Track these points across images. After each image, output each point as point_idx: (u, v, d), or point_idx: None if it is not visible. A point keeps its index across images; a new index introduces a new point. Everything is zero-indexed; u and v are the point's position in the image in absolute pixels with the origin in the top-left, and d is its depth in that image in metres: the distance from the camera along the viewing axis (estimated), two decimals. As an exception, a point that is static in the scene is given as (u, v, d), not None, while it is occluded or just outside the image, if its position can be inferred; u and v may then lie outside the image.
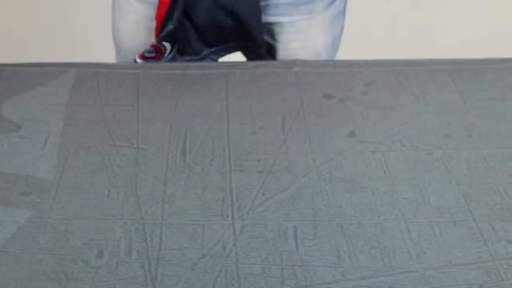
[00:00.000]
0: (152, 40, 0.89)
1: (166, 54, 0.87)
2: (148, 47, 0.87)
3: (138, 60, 0.86)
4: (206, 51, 0.90)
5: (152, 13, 0.88)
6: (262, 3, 0.88)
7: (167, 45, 0.87)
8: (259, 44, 0.90)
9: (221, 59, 0.94)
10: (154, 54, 0.86)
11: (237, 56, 0.96)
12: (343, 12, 0.94)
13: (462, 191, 0.67)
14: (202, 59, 0.90)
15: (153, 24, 0.89)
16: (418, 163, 0.70)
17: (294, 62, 0.85)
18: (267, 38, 0.94)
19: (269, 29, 0.93)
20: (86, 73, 0.82)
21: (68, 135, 0.72)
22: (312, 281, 0.57)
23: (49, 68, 0.83)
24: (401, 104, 0.79)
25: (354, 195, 0.66)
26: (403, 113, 0.78)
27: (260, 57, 0.93)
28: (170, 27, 0.85)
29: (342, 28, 0.96)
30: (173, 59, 0.88)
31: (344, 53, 0.99)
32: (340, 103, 0.79)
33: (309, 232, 0.61)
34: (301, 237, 0.61)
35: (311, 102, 0.78)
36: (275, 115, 0.76)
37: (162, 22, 0.86)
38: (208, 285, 0.56)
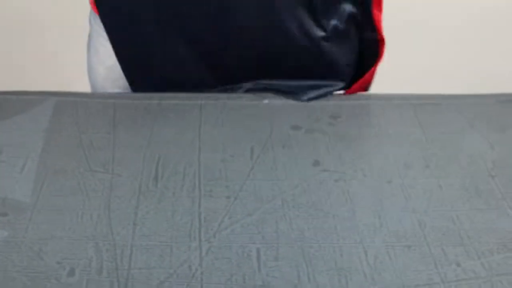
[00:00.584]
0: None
1: None
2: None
3: None
4: None
5: None
6: None
7: None
8: None
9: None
10: None
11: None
12: None
13: (417, 217, 0.71)
14: None
15: None
16: (378, 191, 0.74)
17: (265, 95, 0.89)
18: None
19: None
20: (65, 102, 0.85)
21: (46, 160, 0.76)
22: (272, 300, 0.60)
23: (30, 96, 0.86)
24: (365, 135, 0.84)
25: (315, 220, 0.70)
26: (367, 144, 0.82)
27: None
28: None
29: None
30: None
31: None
32: (306, 134, 0.83)
33: (271, 254, 0.65)
34: (264, 259, 0.64)
35: (279, 132, 0.83)
36: (244, 144, 0.80)
37: None
38: (173, 302, 0.59)
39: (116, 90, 0.94)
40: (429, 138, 0.84)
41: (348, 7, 0.85)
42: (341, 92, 0.92)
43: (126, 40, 0.86)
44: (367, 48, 0.90)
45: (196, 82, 0.89)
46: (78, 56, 0.98)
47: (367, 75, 0.93)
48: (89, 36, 0.95)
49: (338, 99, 0.91)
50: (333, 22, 0.85)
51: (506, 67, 1.79)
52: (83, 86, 0.95)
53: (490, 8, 1.93)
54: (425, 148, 0.82)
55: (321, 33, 0.85)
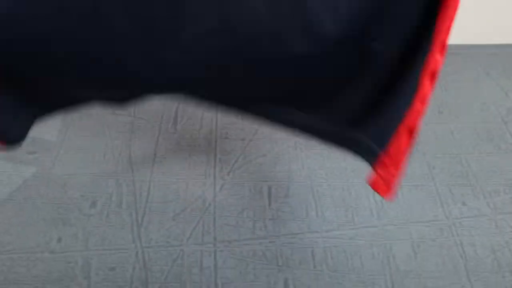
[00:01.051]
0: None
1: None
2: None
3: None
4: None
5: None
6: None
7: None
8: None
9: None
10: None
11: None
12: None
13: (427, 159, 0.73)
14: None
15: None
16: (389, 135, 0.76)
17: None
18: None
19: None
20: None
21: (73, 105, 0.80)
22: (280, 232, 0.63)
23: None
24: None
25: (327, 161, 0.72)
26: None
27: None
28: None
29: None
30: None
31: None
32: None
33: (282, 192, 0.68)
34: (274, 195, 0.67)
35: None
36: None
37: None
38: (186, 232, 0.63)
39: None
40: (443, 85, 0.85)
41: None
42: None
43: None
44: None
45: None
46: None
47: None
48: None
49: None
50: None
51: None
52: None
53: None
54: (439, 95, 0.83)
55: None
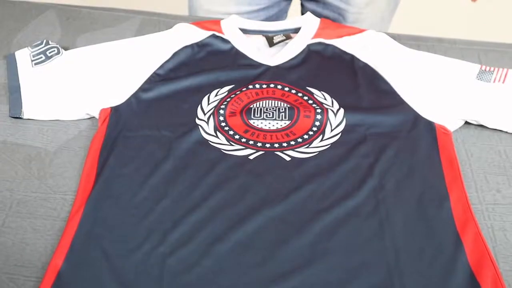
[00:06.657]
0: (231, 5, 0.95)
1: None
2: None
3: None
4: None
5: None
6: None
7: None
8: None
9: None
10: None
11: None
12: None
13: (465, 147, 0.74)
14: None
15: None
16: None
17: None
18: (338, 2, 0.99)
19: None
20: (150, 21, 0.93)
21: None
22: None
23: (119, 13, 0.94)
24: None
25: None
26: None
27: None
28: None
29: None
30: None
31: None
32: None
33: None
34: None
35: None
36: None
37: None
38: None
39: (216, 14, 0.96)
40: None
41: None
42: None
43: None
44: None
45: None
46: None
47: None
48: None
49: (404, 39, 0.92)
50: None
51: None
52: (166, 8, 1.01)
53: None
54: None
55: None
